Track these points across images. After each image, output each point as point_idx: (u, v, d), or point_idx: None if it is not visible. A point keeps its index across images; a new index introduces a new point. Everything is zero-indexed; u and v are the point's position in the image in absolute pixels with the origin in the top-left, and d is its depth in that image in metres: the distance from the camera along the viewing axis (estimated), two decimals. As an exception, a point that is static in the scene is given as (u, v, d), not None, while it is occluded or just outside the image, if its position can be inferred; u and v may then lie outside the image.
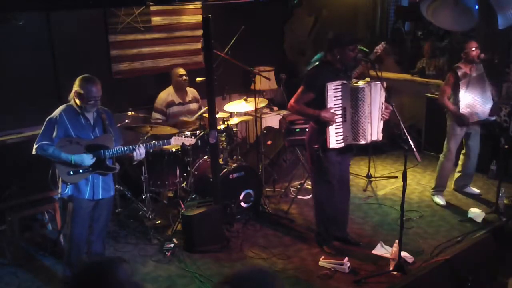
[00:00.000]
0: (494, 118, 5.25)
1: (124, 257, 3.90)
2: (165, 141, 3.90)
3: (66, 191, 3.59)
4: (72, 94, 3.56)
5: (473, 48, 4.92)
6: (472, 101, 5.02)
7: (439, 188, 5.36)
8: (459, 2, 4.92)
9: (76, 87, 3.52)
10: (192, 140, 4.07)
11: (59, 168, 3.55)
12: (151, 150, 4.24)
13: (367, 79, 4.17)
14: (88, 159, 3.54)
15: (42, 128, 3.54)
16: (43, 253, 4.42)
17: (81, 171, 3.57)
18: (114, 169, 3.73)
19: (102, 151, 3.60)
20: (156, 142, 3.86)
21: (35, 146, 3.51)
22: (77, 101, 3.53)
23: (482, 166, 5.83)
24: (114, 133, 3.74)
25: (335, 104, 3.96)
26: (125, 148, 3.68)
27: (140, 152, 3.70)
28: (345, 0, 7.22)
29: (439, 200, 5.29)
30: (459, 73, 4.98)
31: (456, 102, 5.04)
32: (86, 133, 3.60)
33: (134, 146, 3.70)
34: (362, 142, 4.06)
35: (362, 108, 4.00)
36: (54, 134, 3.50)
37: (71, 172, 3.55)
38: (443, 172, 5.31)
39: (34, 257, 4.37)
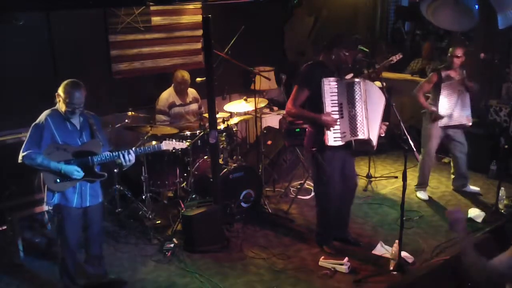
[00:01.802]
0: (470, 124, 5.27)
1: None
2: (156, 146, 3.79)
3: (52, 200, 3.47)
4: (57, 98, 3.45)
5: (459, 55, 5.01)
6: (451, 104, 5.11)
7: (421, 186, 5.47)
8: (459, 2, 4.92)
9: (59, 91, 3.40)
10: (183, 144, 3.95)
11: (46, 176, 3.41)
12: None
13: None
14: (77, 173, 3.43)
15: (28, 136, 3.40)
16: (43, 253, 4.41)
17: (68, 178, 3.45)
18: (103, 175, 3.59)
19: (90, 157, 3.48)
20: (146, 147, 3.75)
21: (21, 155, 3.35)
22: (62, 106, 3.41)
23: (482, 166, 5.84)
24: (102, 139, 3.61)
25: (331, 100, 3.95)
26: (114, 154, 3.55)
27: (129, 158, 3.57)
28: (345, 0, 7.22)
29: (421, 195, 5.40)
30: (443, 75, 5.07)
31: (436, 103, 5.13)
32: (73, 139, 3.48)
33: (123, 152, 3.56)
34: (361, 136, 4.01)
35: (359, 103, 4.00)
36: (41, 141, 3.36)
37: (58, 180, 3.42)
38: (423, 171, 5.42)
39: (34, 257, 4.36)
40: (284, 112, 6.45)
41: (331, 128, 3.95)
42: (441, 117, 5.10)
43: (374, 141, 4.08)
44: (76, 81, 3.45)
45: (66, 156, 3.43)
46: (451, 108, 5.12)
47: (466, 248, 2.57)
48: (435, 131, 5.20)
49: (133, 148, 3.66)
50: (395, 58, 5.44)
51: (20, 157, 3.37)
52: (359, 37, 6.70)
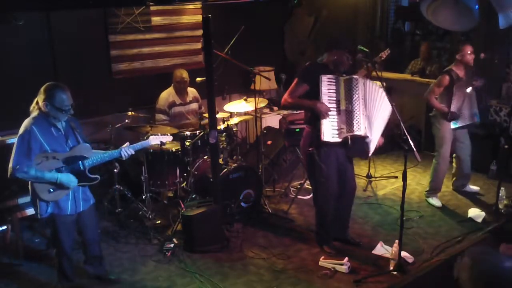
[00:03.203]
0: (479, 121, 5.25)
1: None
2: (144, 142, 3.80)
3: (46, 211, 3.39)
4: (35, 105, 3.35)
5: (469, 52, 4.95)
6: (462, 104, 5.04)
7: (433, 191, 5.35)
8: (459, 2, 4.92)
9: (43, 97, 3.29)
10: (170, 137, 4.05)
11: (38, 187, 3.32)
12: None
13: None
14: (73, 180, 3.39)
15: (16, 148, 3.24)
16: (43, 253, 4.41)
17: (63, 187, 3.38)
18: (96, 179, 3.54)
19: (81, 162, 3.43)
20: (135, 145, 3.70)
21: (11, 168, 3.21)
22: (45, 110, 3.29)
23: (482, 166, 5.84)
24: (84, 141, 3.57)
25: (329, 97, 3.97)
26: (105, 155, 3.54)
27: (123, 155, 3.59)
28: (345, 0, 7.22)
29: (435, 202, 5.28)
30: (454, 76, 5.00)
31: (448, 105, 5.05)
32: (61, 145, 3.39)
33: (112, 153, 3.57)
34: (357, 132, 4.00)
35: (357, 99, 4.00)
36: (30, 152, 3.23)
37: (51, 190, 3.34)
38: (437, 176, 5.29)
39: (34, 257, 4.36)
40: (284, 112, 6.47)
41: (330, 125, 3.96)
42: (458, 116, 5.00)
43: (372, 146, 4.07)
44: (58, 83, 3.37)
45: (57, 164, 3.35)
46: (461, 108, 5.04)
47: None
48: (449, 133, 5.11)
49: (122, 148, 3.63)
50: (384, 54, 5.41)
51: (10, 171, 3.23)
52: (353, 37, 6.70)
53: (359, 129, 4.01)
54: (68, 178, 3.37)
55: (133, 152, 3.68)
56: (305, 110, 4.22)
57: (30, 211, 4.46)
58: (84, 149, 3.50)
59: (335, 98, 3.99)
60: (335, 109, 3.99)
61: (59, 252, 3.61)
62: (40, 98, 3.33)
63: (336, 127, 3.99)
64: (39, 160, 3.28)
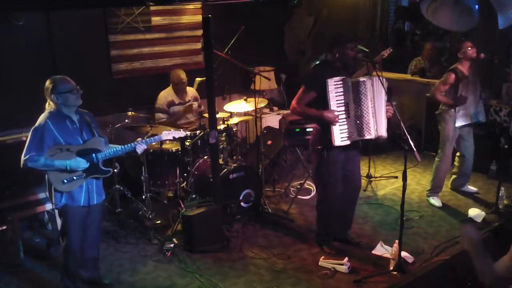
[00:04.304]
0: (484, 120, 5.25)
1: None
2: (156, 137, 3.83)
3: (61, 201, 3.46)
4: (47, 106, 3.45)
5: (469, 48, 4.92)
6: (468, 102, 5.02)
7: (435, 190, 5.34)
8: (459, 2, 4.92)
9: (50, 93, 3.39)
10: (182, 133, 4.05)
11: (52, 178, 3.41)
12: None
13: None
14: (83, 163, 3.44)
15: (28, 140, 3.36)
16: (43, 253, 4.41)
17: (75, 178, 3.43)
18: (108, 172, 3.61)
19: (94, 154, 3.50)
20: (148, 139, 3.76)
21: (23, 159, 3.32)
22: (57, 102, 3.40)
23: (482, 166, 5.83)
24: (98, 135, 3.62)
25: (337, 101, 3.93)
26: (118, 149, 3.59)
27: (138, 149, 3.65)
28: (345, 0, 7.22)
29: (435, 201, 5.27)
30: (460, 74, 4.98)
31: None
32: (75, 138, 3.47)
33: (126, 146, 3.62)
34: (368, 137, 4.01)
35: (365, 102, 3.98)
36: (43, 144, 3.33)
37: (65, 180, 3.42)
38: (439, 175, 5.29)
39: (34, 257, 4.36)
40: (284, 112, 6.48)
41: (339, 129, 3.93)
42: (465, 100, 4.94)
43: (384, 133, 4.07)
44: (51, 77, 3.46)
45: (70, 156, 3.42)
46: (467, 106, 5.02)
47: (474, 257, 2.59)
48: (454, 132, 5.09)
49: (135, 142, 3.67)
50: (386, 52, 5.41)
51: (22, 161, 3.33)
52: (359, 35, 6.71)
53: (369, 133, 4.02)
54: (77, 162, 3.42)
55: (146, 147, 3.72)
56: (313, 119, 4.19)
57: (30, 211, 4.48)
58: (98, 142, 3.56)
59: (343, 101, 3.95)
60: (344, 113, 3.95)
61: (66, 247, 3.61)
62: (48, 97, 3.44)
63: (346, 131, 3.97)
64: (53, 152, 3.36)
